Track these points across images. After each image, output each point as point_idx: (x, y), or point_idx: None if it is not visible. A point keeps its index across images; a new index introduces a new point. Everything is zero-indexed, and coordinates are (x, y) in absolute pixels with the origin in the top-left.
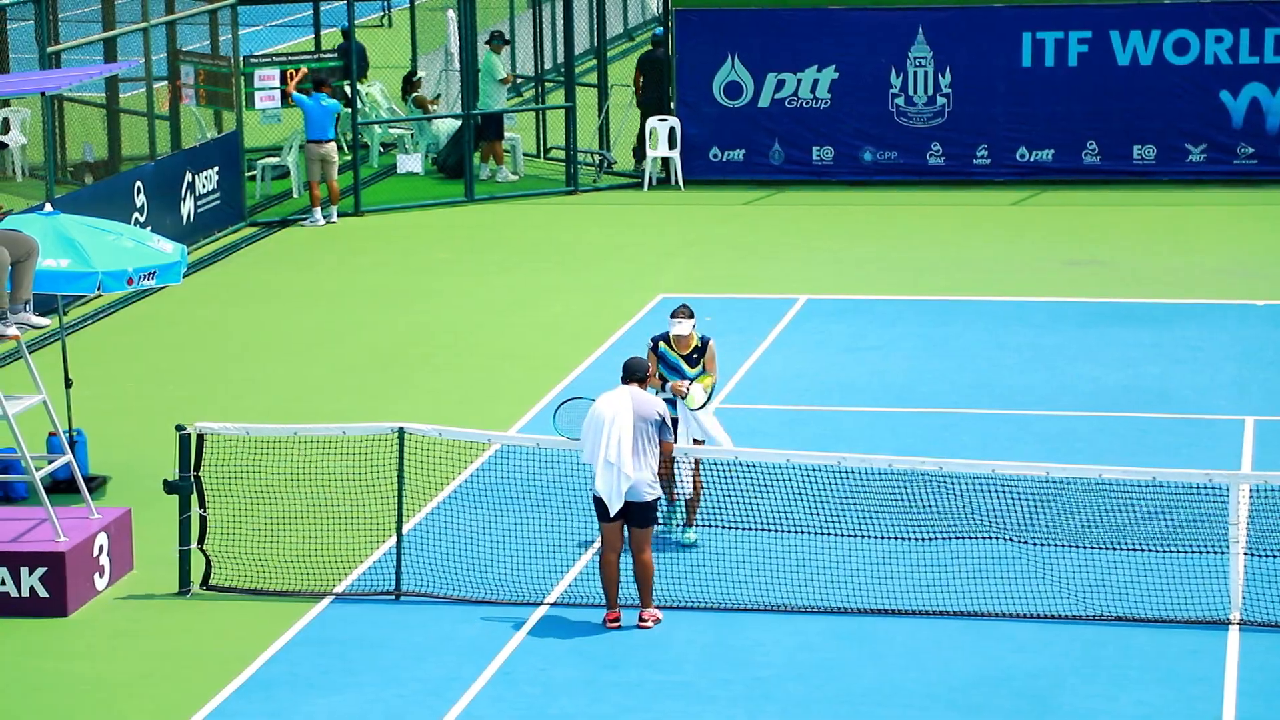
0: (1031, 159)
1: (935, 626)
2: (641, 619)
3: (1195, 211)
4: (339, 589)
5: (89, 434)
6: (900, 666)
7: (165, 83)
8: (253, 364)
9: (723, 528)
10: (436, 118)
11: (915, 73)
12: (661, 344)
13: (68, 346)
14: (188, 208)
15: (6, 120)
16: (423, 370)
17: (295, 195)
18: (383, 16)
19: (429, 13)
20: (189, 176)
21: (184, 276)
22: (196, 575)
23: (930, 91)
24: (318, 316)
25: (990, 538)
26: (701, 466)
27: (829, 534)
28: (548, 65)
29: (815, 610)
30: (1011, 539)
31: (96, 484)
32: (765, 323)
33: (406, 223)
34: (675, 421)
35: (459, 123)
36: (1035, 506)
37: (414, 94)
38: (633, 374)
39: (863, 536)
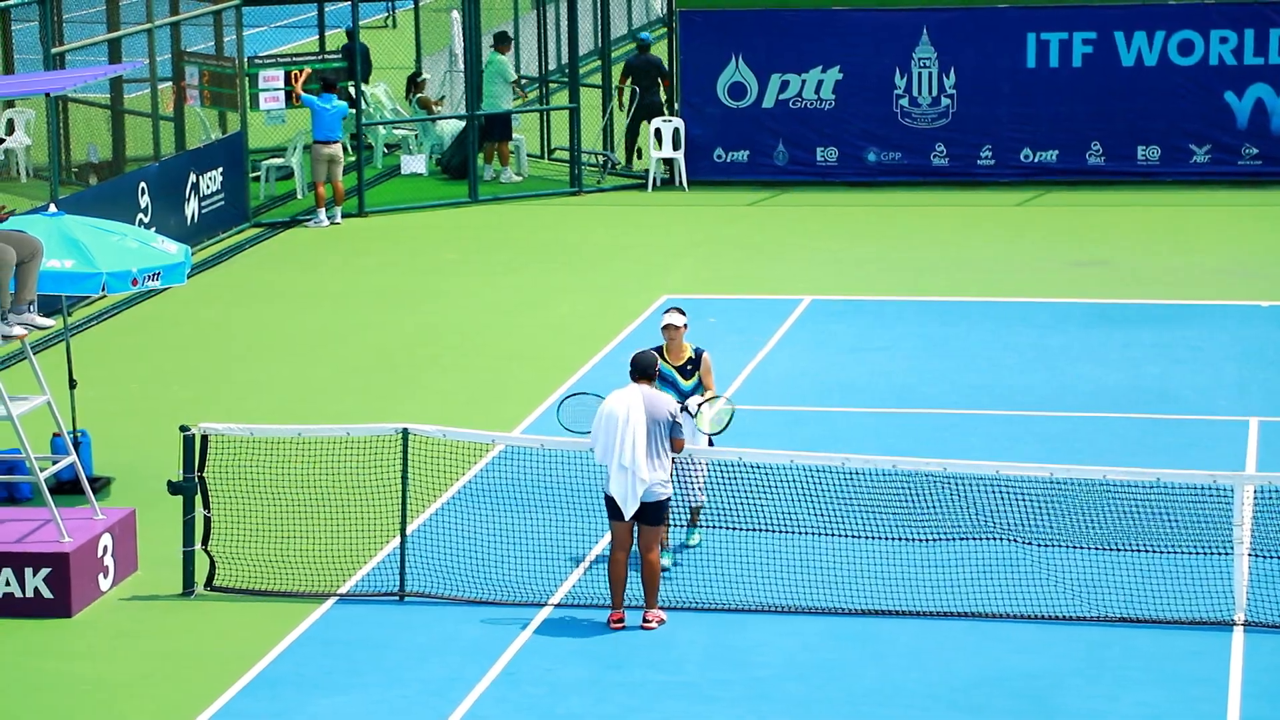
0: (1036, 160)
1: (937, 627)
2: (646, 620)
3: (1199, 212)
4: (343, 590)
5: (93, 435)
6: (902, 667)
7: (170, 84)
8: (257, 365)
9: (726, 529)
10: (441, 118)
11: (920, 73)
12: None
13: (72, 347)
14: (192, 208)
15: (11, 121)
16: (429, 371)
17: (299, 196)
18: (387, 17)
19: (433, 14)
20: (193, 177)
21: (188, 277)
22: (200, 576)
23: (935, 92)
24: (322, 317)
25: (994, 538)
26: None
27: (832, 535)
28: (552, 66)
29: (817, 611)
30: (1015, 540)
31: (101, 485)
32: (769, 323)
33: (411, 223)
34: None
35: (463, 123)
36: (1039, 507)
37: (418, 95)
38: (644, 371)
39: (866, 537)
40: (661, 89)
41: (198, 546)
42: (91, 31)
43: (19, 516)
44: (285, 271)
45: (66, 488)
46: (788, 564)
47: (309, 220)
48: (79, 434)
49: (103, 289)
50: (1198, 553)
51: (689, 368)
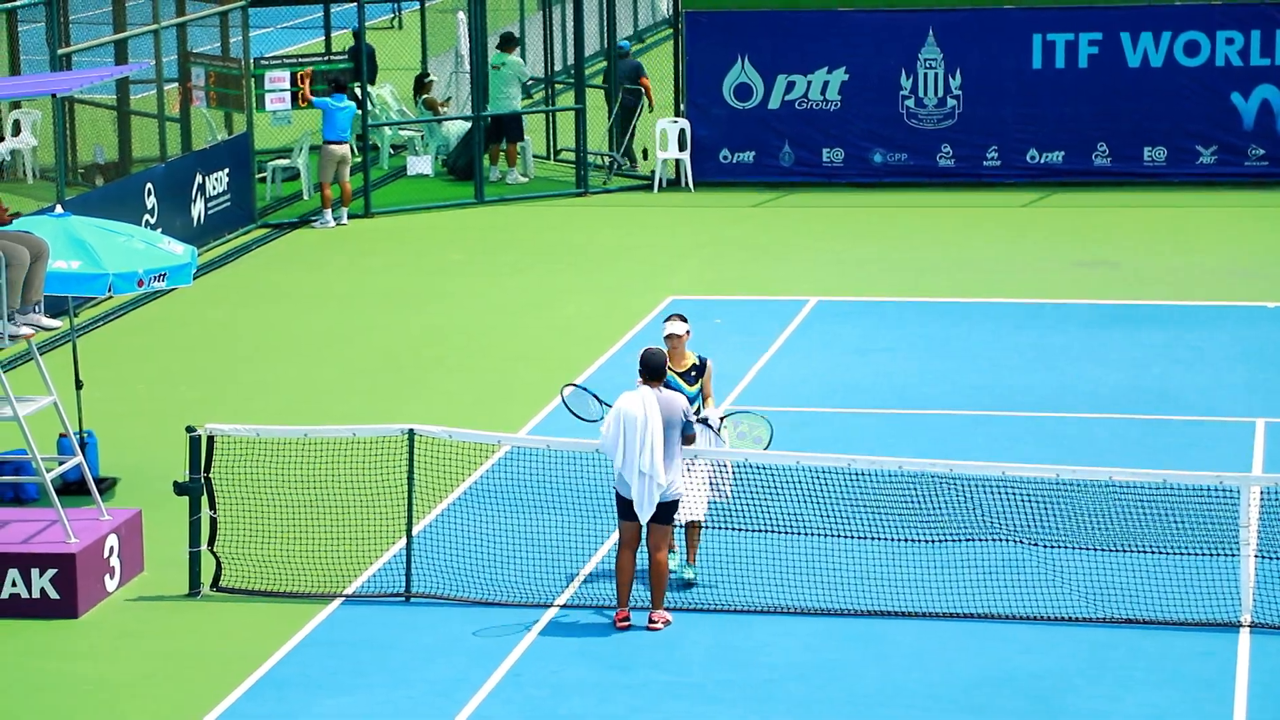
0: (1042, 161)
1: (941, 628)
2: (651, 620)
3: (1205, 213)
4: (349, 590)
5: (100, 435)
6: (905, 668)
7: (176, 85)
8: (263, 366)
9: (732, 530)
10: (447, 119)
11: (925, 74)
12: None
13: (78, 348)
14: (198, 209)
15: (18, 122)
16: (435, 372)
17: (305, 197)
18: (393, 18)
19: (439, 14)
20: (199, 178)
21: (194, 278)
22: (207, 577)
23: (940, 93)
24: (328, 318)
25: (999, 540)
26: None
27: (838, 536)
28: (558, 67)
29: (822, 612)
30: (1021, 541)
31: (107, 485)
32: (775, 324)
33: (417, 224)
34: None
35: (469, 124)
36: (1045, 508)
37: (424, 96)
38: (655, 373)
39: (872, 539)
40: (643, 91)
41: (204, 547)
42: (98, 33)
43: (25, 517)
44: (291, 272)
45: (73, 488)
46: (793, 565)
47: (315, 221)
48: (85, 435)
49: (109, 290)
50: (1204, 554)
51: (693, 374)
